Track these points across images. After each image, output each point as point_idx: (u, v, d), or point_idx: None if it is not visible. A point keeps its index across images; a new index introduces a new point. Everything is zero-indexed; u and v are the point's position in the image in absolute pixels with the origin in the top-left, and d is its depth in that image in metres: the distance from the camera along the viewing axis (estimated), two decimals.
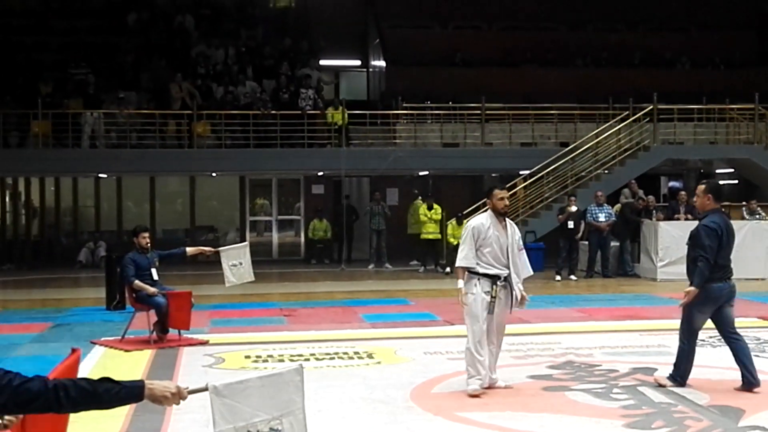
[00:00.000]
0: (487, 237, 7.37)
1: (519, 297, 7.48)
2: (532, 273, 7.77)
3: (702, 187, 7.75)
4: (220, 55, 23.39)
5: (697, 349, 9.35)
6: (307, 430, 3.51)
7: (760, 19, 27.99)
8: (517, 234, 7.62)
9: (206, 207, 23.94)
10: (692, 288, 7.48)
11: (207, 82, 22.02)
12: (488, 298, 7.34)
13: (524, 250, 7.69)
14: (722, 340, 9.87)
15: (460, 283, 7.42)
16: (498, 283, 7.37)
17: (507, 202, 7.58)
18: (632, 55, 26.19)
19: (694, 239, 7.60)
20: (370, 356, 9.23)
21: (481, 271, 7.38)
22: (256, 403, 3.34)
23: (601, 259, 18.13)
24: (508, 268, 7.42)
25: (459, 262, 7.46)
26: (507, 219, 7.61)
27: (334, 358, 9.17)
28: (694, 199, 7.91)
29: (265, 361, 9.01)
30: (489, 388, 7.51)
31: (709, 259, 7.42)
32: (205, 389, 3.25)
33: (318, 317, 12.41)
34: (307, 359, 9.05)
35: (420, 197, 21.16)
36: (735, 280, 16.38)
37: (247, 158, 20.79)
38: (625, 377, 8.07)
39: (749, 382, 7.43)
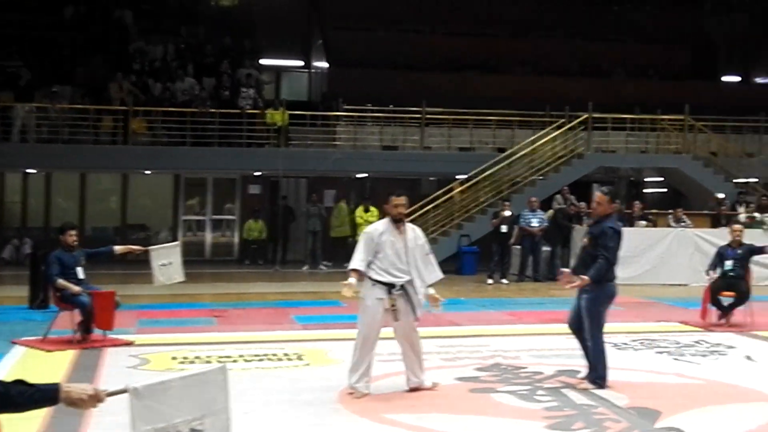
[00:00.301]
0: (381, 242, 7.36)
1: (421, 302, 7.46)
2: (441, 276, 7.70)
3: (604, 196, 7.99)
4: (158, 52, 23.16)
5: (619, 352, 9.69)
6: (230, 429, 3.52)
7: (694, 34, 28.65)
8: (421, 239, 7.58)
9: (139, 205, 23.60)
10: (586, 277, 7.70)
11: (143, 78, 21.78)
12: (381, 305, 7.35)
13: (432, 254, 7.64)
14: (643, 343, 10.25)
15: (352, 279, 7.40)
16: (393, 291, 7.35)
17: (403, 210, 7.46)
18: (570, 64, 26.59)
19: (598, 239, 7.84)
20: (299, 358, 9.25)
21: (375, 277, 7.39)
22: (177, 403, 3.33)
23: (533, 264, 18.41)
24: (408, 275, 7.39)
25: (350, 264, 7.48)
26: (410, 224, 7.61)
27: (263, 360, 9.15)
28: (595, 204, 8.05)
29: (192, 362, 8.93)
30: (414, 390, 7.61)
31: (611, 260, 7.81)
32: (125, 391, 3.24)
33: (249, 318, 12.36)
34: (236, 361, 9.02)
35: (344, 200, 21.28)
36: (660, 285, 16.76)
37: (182, 156, 20.59)
38: (549, 379, 8.22)
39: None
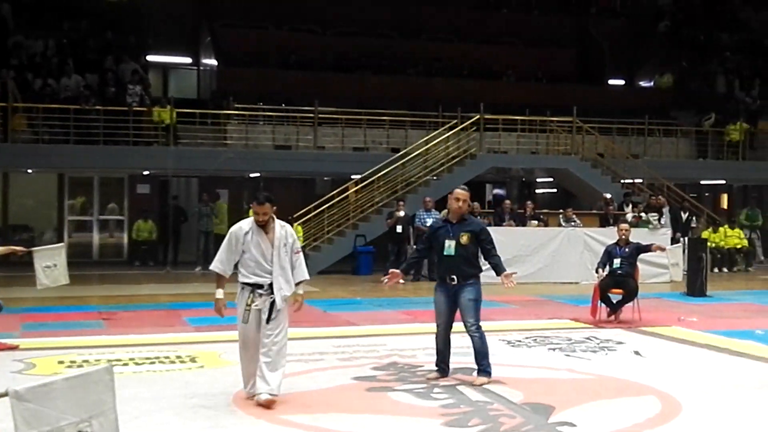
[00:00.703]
0: (246, 242, 7.12)
1: (282, 304, 7.10)
2: (308, 278, 7.38)
3: (466, 193, 8.21)
4: (39, 46, 22.40)
5: (512, 349, 9.81)
6: (118, 430, 3.40)
7: (580, 38, 29.42)
8: (291, 237, 7.25)
9: (21, 205, 22.79)
10: (509, 271, 8.32)
11: (23, 74, 21.02)
12: (248, 307, 7.13)
13: (301, 253, 7.37)
14: (536, 340, 10.41)
15: (219, 292, 7.21)
16: (258, 291, 7.10)
17: (264, 218, 7.12)
18: (462, 66, 26.93)
19: (479, 235, 8.16)
20: (192, 360, 9.04)
21: (242, 279, 7.19)
22: (62, 405, 3.20)
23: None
24: (271, 275, 7.12)
25: (211, 266, 7.29)
26: (279, 222, 7.30)
27: (155, 363, 8.92)
28: (460, 204, 8.12)
29: (81, 366, 8.63)
30: (251, 398, 7.21)
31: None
32: (5, 395, 3.09)
33: (140, 321, 12.04)
34: (126, 364, 8.75)
35: (219, 198, 21.19)
36: (552, 283, 17.05)
37: (66, 155, 19.92)
38: (445, 377, 8.23)
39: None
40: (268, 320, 7.07)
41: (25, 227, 22.44)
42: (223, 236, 7.47)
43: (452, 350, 9.57)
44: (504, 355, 9.53)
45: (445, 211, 9.31)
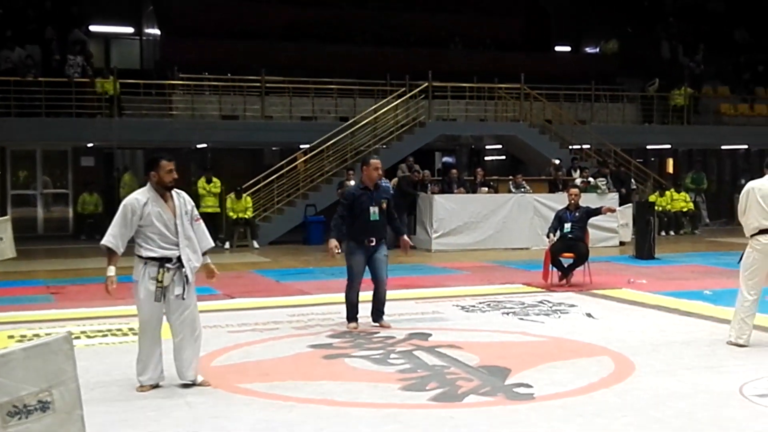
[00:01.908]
0: (145, 215, 6.56)
1: (192, 277, 6.67)
2: (212, 245, 6.98)
3: (379, 161, 9.30)
4: None
5: (467, 314, 9.93)
6: (81, 399, 3.34)
7: (527, 5, 29.47)
8: (189, 204, 6.79)
9: None
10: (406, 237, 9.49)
11: None
12: (154, 284, 6.59)
13: (201, 221, 6.91)
14: (490, 305, 10.49)
15: (111, 269, 6.65)
16: (167, 265, 6.59)
17: (175, 176, 6.68)
18: (409, 34, 26.81)
19: (391, 200, 9.30)
20: None
21: (146, 254, 6.60)
22: (21, 375, 3.14)
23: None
24: (178, 247, 6.65)
25: (103, 241, 6.67)
26: (175, 191, 6.76)
27: (107, 336, 8.84)
28: (375, 171, 9.07)
29: (31, 340, 8.46)
30: (186, 386, 6.73)
31: None
32: None
33: (89, 294, 11.83)
34: (78, 337, 8.62)
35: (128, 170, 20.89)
36: (503, 249, 17.20)
37: (7, 128, 19.40)
38: (401, 343, 8.29)
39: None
40: (183, 296, 6.63)
41: None
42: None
43: (407, 316, 9.76)
44: (459, 320, 9.64)
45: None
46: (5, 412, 3.18)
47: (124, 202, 6.67)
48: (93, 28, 24.47)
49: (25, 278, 13.51)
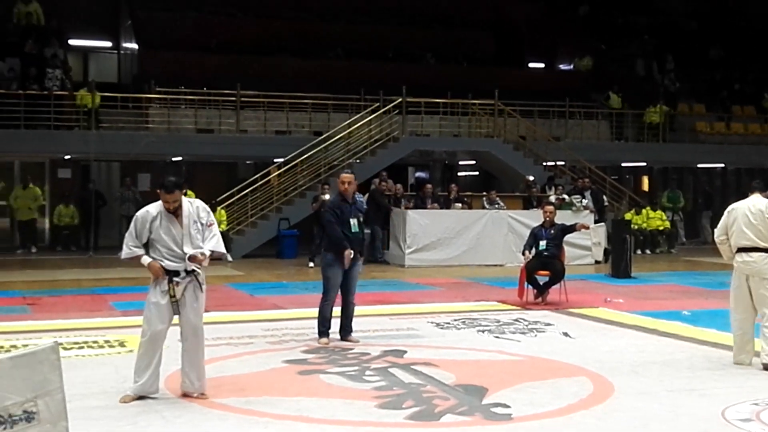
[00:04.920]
0: (154, 229, 6.75)
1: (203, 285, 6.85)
2: (222, 251, 6.98)
3: (352, 175, 9.43)
4: None
5: (441, 331, 9.99)
6: (66, 410, 3.38)
7: (499, 20, 29.68)
8: (201, 212, 6.87)
9: None
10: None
11: None
12: (165, 297, 6.75)
13: (214, 225, 6.92)
14: (465, 322, 10.55)
15: (145, 258, 6.79)
16: (176, 279, 6.74)
17: (174, 205, 6.73)
18: (383, 48, 26.94)
19: (366, 215, 9.85)
20: (121, 344, 8.97)
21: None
22: (6, 385, 3.19)
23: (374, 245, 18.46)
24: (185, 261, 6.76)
25: (122, 255, 6.90)
26: (186, 200, 6.87)
27: (83, 348, 8.85)
28: (348, 185, 9.22)
29: (8, 351, 8.47)
30: (186, 396, 6.90)
31: None
32: None
33: (65, 305, 11.87)
34: None
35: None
36: (477, 266, 17.27)
37: None
38: (376, 359, 8.31)
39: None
40: (193, 309, 6.82)
41: None
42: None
43: (381, 332, 9.80)
44: (433, 337, 9.63)
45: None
46: None
47: (136, 215, 6.89)
48: (72, 41, 24.44)
49: (1, 289, 13.49)
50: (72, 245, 20.86)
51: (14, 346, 8.73)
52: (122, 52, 26.86)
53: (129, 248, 6.84)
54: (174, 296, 6.74)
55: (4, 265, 16.14)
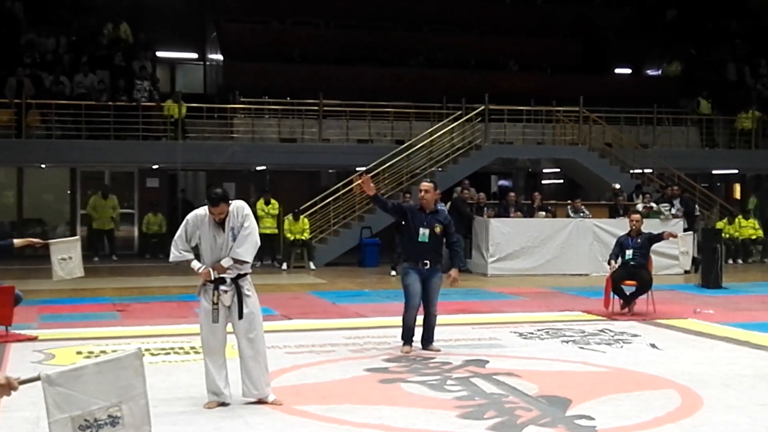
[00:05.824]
0: (203, 234, 6.74)
1: (250, 291, 6.81)
2: (244, 259, 6.74)
3: (431, 184, 9.27)
4: (50, 44, 22.53)
5: (525, 341, 9.84)
6: (149, 415, 3.44)
7: (585, 27, 29.32)
8: (240, 215, 6.75)
9: (35, 199, 22.96)
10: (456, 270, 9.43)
11: (35, 71, 21.16)
12: (211, 305, 6.76)
13: (248, 228, 6.75)
14: (548, 333, 10.41)
15: (195, 263, 6.81)
16: (221, 287, 6.72)
17: (222, 217, 6.68)
18: (465, 56, 26.87)
19: (447, 228, 9.18)
20: None
21: None
22: (93, 390, 3.25)
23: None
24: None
25: (171, 259, 6.90)
26: (233, 204, 6.78)
27: (169, 353, 9.01)
28: (424, 194, 9.13)
29: (98, 356, 8.68)
30: (259, 402, 6.89)
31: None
32: (38, 378, 3.16)
33: (152, 312, 12.13)
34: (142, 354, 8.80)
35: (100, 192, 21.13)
36: (561, 275, 17.03)
37: (78, 150, 20.10)
38: (458, 369, 8.24)
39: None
40: (240, 316, 6.77)
41: (39, 221, 22.64)
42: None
43: (463, 342, 9.73)
44: (517, 347, 9.53)
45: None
46: (77, 425, 3.29)
47: (187, 216, 6.89)
48: (159, 53, 25.05)
49: (92, 295, 13.85)
50: (160, 253, 21.30)
51: (104, 351, 8.96)
52: (208, 63, 27.39)
53: (179, 252, 6.82)
54: (216, 304, 6.73)
55: (95, 272, 16.57)
